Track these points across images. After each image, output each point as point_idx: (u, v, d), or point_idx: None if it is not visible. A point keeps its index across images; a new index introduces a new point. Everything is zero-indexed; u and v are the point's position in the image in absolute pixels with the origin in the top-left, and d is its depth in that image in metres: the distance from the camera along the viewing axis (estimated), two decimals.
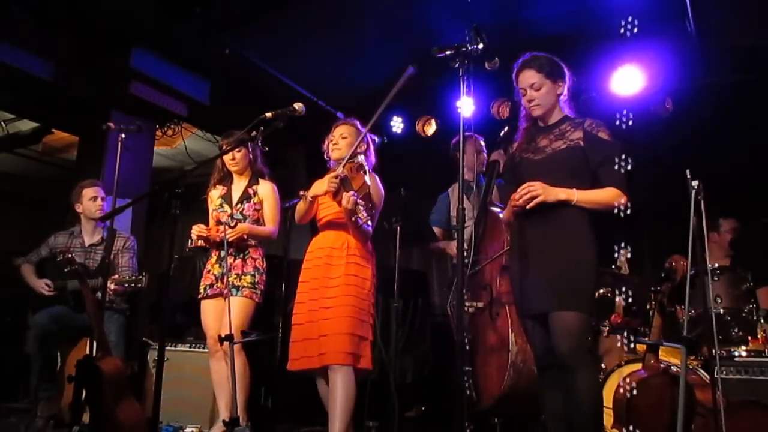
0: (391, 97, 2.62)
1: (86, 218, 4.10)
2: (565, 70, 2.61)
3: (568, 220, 2.45)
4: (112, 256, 3.98)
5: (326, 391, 2.93)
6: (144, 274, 3.76)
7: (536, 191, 2.42)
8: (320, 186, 2.92)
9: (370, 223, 2.99)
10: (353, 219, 2.85)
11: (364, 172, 2.90)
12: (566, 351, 2.32)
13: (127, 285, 3.73)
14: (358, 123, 3.19)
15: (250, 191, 3.55)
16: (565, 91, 2.62)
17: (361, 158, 2.96)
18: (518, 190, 2.48)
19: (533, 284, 2.47)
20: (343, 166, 2.89)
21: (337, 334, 2.82)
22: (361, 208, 2.81)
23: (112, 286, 3.69)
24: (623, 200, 2.45)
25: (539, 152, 2.58)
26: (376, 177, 3.12)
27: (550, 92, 2.56)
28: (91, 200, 4.06)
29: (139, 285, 3.71)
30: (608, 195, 2.45)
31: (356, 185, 2.87)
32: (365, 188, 2.87)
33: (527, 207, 2.44)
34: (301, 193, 3.02)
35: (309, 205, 3.03)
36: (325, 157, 3.22)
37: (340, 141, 3.14)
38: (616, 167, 2.45)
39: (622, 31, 2.69)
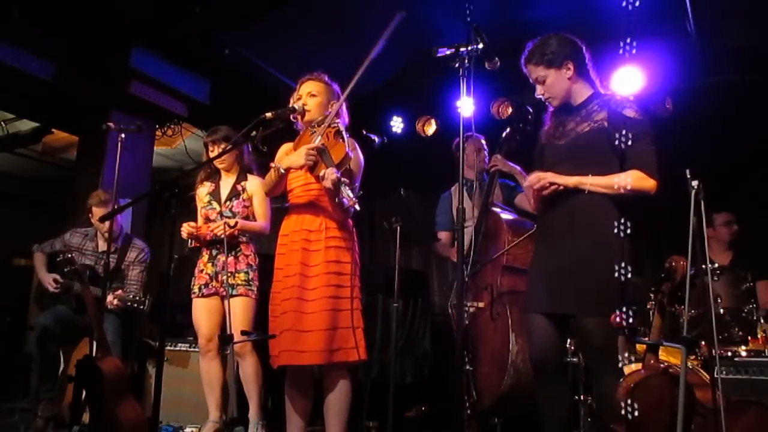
0: (379, 48, 2.51)
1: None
2: (574, 44, 2.42)
3: (587, 210, 2.27)
4: (123, 266, 3.99)
5: (300, 389, 2.76)
6: (148, 296, 3.79)
7: (546, 181, 2.29)
8: (296, 158, 2.62)
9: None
10: (336, 199, 2.51)
11: (343, 140, 2.58)
12: (594, 356, 2.29)
13: (129, 304, 3.74)
14: (326, 77, 2.84)
15: (239, 188, 3.50)
16: (582, 67, 2.41)
17: (338, 123, 2.63)
18: (528, 179, 2.34)
19: (552, 281, 2.34)
20: (322, 135, 2.58)
21: (321, 330, 2.56)
22: (345, 187, 2.44)
23: (115, 302, 3.70)
24: (650, 184, 2.25)
25: (564, 136, 2.41)
26: (355, 142, 2.79)
27: (557, 80, 2.40)
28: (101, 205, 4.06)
29: (141, 307, 3.74)
30: (628, 178, 2.24)
31: (336, 157, 2.52)
32: (347, 160, 2.54)
33: (544, 193, 2.32)
34: (272, 165, 2.73)
35: (281, 178, 2.73)
36: (290, 118, 2.80)
37: (309, 100, 2.79)
38: (643, 146, 2.25)
39: (622, 42, 2.61)
